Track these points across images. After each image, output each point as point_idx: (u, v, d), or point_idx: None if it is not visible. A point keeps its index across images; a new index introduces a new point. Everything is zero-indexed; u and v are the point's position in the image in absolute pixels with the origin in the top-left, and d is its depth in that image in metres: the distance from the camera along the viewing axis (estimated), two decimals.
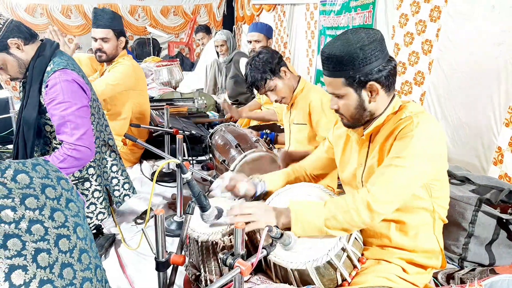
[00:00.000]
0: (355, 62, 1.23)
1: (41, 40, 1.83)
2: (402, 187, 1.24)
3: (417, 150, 1.21)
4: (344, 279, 1.27)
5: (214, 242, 1.37)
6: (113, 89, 2.72)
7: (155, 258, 1.16)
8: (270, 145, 2.88)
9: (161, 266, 1.16)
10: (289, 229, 1.30)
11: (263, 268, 1.39)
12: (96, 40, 2.69)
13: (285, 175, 1.69)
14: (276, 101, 2.24)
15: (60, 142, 1.74)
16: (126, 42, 2.81)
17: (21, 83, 1.88)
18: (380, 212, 1.22)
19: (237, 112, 3.14)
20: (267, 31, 3.51)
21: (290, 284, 1.27)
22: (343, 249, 1.26)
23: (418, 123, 1.22)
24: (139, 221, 2.30)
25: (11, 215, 0.75)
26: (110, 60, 2.77)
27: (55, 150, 1.77)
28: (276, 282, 1.31)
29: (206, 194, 1.40)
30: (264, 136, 2.84)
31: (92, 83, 2.63)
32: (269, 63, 2.12)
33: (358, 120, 1.35)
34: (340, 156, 1.54)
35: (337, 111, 1.38)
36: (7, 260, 0.72)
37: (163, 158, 2.53)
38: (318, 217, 1.25)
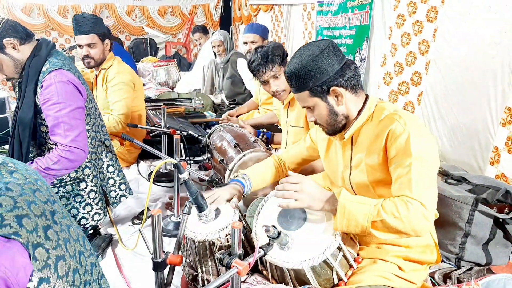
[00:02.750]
0: (311, 73, 1.31)
1: (37, 40, 1.82)
2: (435, 186, 1.26)
3: (422, 145, 1.24)
4: (340, 279, 1.27)
5: (211, 242, 1.37)
6: (128, 102, 2.79)
7: (152, 258, 1.16)
8: (268, 144, 2.88)
9: (158, 266, 1.16)
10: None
11: (260, 269, 1.39)
12: (82, 46, 2.69)
13: (270, 170, 1.76)
14: (274, 93, 2.21)
15: (55, 143, 1.73)
16: (111, 44, 2.81)
17: (17, 83, 1.86)
18: (432, 220, 1.20)
19: (238, 121, 3.13)
20: (263, 32, 3.51)
21: (287, 284, 1.27)
22: (339, 249, 1.26)
23: (405, 121, 1.26)
24: (136, 221, 2.30)
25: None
26: (98, 65, 2.79)
27: (51, 150, 1.76)
28: (272, 283, 1.31)
29: (202, 195, 1.40)
30: (261, 134, 2.83)
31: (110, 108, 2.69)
32: (279, 51, 2.15)
33: (334, 125, 1.41)
34: (324, 157, 1.60)
35: (315, 122, 1.44)
36: (53, 251, 0.73)
37: (160, 158, 2.52)
38: (365, 216, 1.20)
